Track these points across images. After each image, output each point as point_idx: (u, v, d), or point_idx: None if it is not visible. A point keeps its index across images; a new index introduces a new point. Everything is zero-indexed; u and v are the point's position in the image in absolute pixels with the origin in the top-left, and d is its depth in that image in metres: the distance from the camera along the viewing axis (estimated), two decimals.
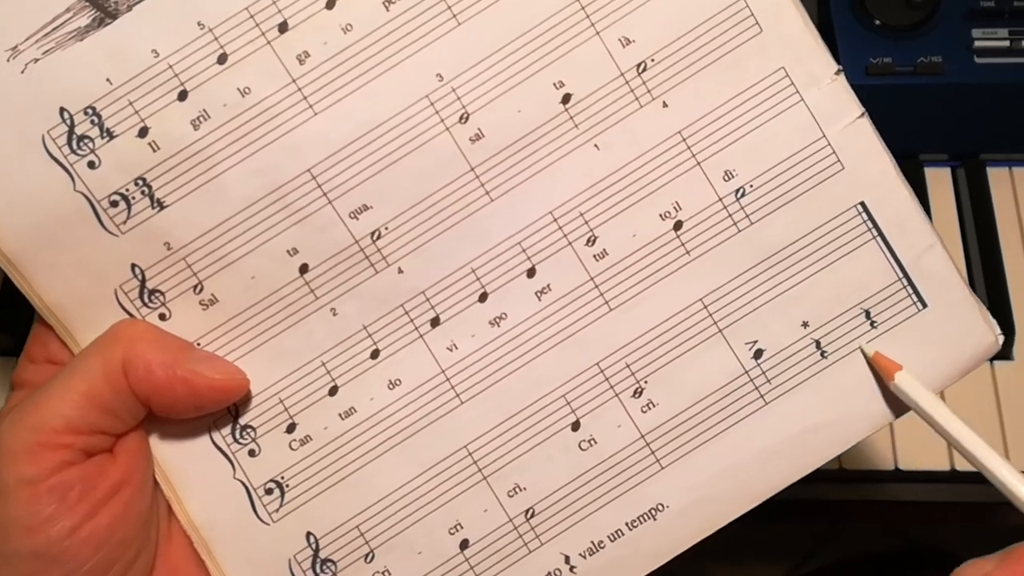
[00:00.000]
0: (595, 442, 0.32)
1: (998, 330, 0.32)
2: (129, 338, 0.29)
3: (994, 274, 0.48)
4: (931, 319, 0.32)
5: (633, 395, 0.32)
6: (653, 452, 0.32)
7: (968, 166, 0.51)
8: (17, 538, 0.27)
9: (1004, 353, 0.47)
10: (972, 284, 0.48)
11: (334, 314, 0.31)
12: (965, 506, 0.47)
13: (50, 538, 0.27)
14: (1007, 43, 0.48)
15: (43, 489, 0.27)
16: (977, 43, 0.48)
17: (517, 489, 0.32)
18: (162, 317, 0.31)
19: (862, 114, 0.31)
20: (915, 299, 0.32)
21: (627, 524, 0.32)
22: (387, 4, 0.30)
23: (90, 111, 0.29)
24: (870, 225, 0.31)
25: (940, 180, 0.51)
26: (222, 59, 0.29)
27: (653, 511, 0.32)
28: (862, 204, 0.31)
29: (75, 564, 0.27)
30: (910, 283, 0.32)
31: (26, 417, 0.28)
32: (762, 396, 0.32)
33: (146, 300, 0.30)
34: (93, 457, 0.28)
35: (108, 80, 0.29)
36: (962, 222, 0.50)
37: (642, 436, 0.32)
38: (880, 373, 0.31)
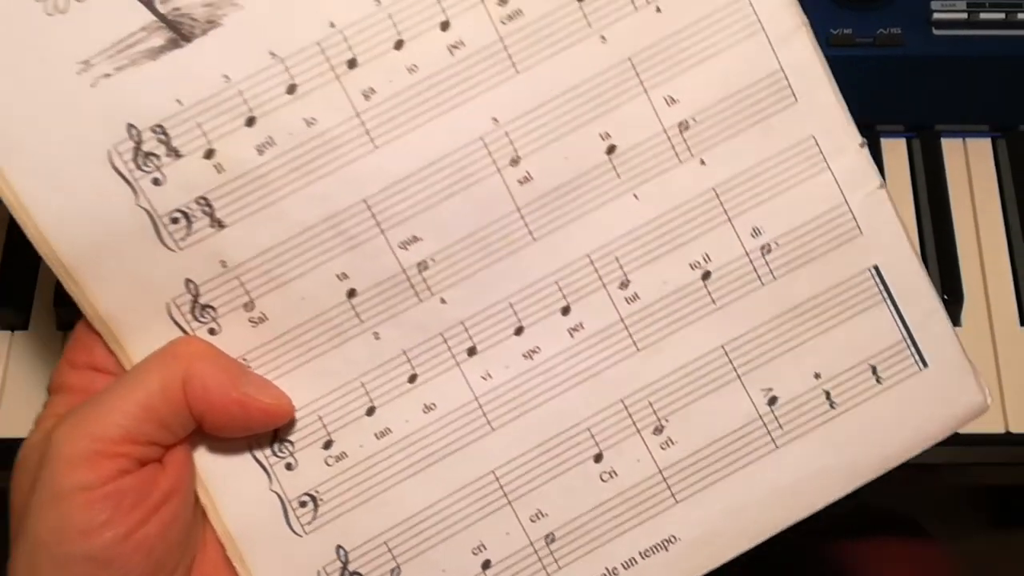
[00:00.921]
0: (615, 474, 0.33)
1: (988, 393, 0.35)
2: (189, 356, 0.30)
3: (945, 242, 0.49)
4: (930, 378, 0.34)
5: (654, 432, 0.34)
6: (669, 487, 0.34)
7: (923, 137, 0.52)
8: (72, 542, 0.28)
9: (952, 319, 0.50)
10: (923, 252, 0.49)
11: (376, 338, 0.32)
12: None
13: (104, 543, 0.28)
14: (965, 15, 0.48)
15: (99, 495, 0.28)
16: (936, 15, 0.48)
17: (539, 515, 0.33)
18: (212, 332, 0.32)
19: (881, 185, 0.34)
20: (917, 359, 0.34)
21: (640, 553, 0.34)
22: (452, 49, 0.31)
23: (158, 129, 0.30)
24: (881, 288, 0.34)
25: (896, 150, 0.52)
26: (291, 89, 0.31)
27: (666, 543, 0.34)
28: (876, 268, 0.34)
29: (125, 569, 0.28)
30: (914, 344, 0.34)
31: (85, 425, 0.28)
32: (773, 440, 0.34)
33: (197, 315, 0.31)
34: (145, 466, 0.29)
35: (178, 101, 0.30)
36: (915, 191, 0.51)
37: (660, 471, 0.34)
38: None
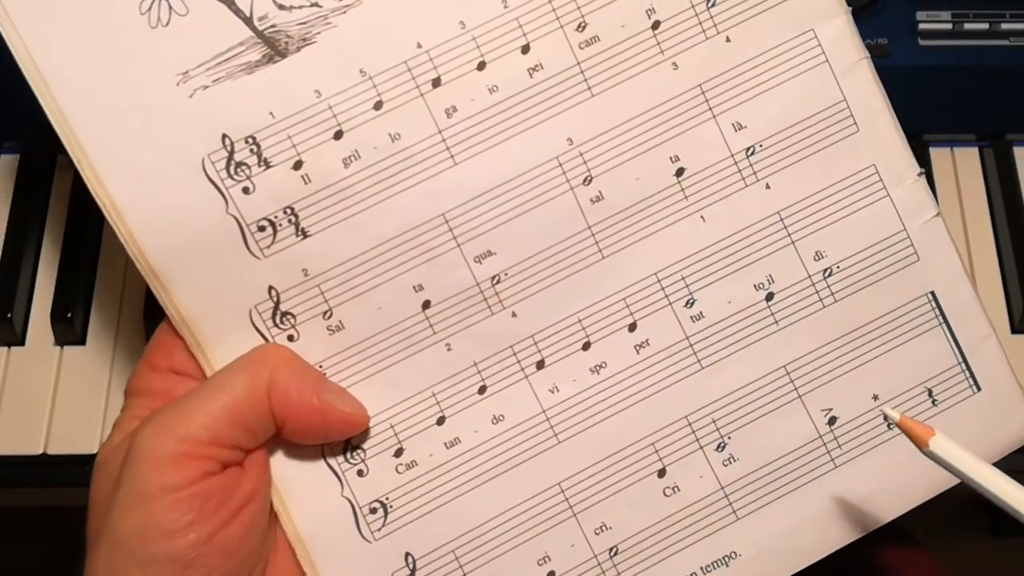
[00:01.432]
0: (678, 489, 0.34)
1: None
2: (275, 363, 0.30)
3: None
4: (983, 401, 0.35)
5: (716, 449, 0.34)
6: (731, 503, 0.34)
7: (911, 146, 0.50)
8: (157, 542, 0.28)
9: None
10: None
11: (448, 349, 0.33)
12: None
13: (188, 543, 0.28)
14: (950, 25, 0.49)
15: (184, 496, 0.28)
16: (921, 26, 0.48)
17: (603, 527, 0.34)
18: (291, 338, 0.32)
19: (938, 213, 0.35)
20: (971, 382, 0.35)
21: (701, 568, 0.34)
22: (531, 71, 0.32)
23: (250, 140, 0.31)
24: (937, 312, 0.35)
25: None
26: (378, 105, 0.32)
27: (726, 558, 0.34)
28: (932, 293, 0.35)
29: (206, 570, 0.29)
30: (968, 367, 0.35)
31: (171, 427, 0.29)
32: (833, 460, 0.35)
33: (278, 321, 0.32)
34: (228, 469, 0.30)
35: (271, 113, 0.31)
36: None
37: (722, 488, 0.34)
38: (913, 439, 0.30)
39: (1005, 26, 0.49)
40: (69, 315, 0.46)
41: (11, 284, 0.46)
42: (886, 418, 0.33)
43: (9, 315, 0.46)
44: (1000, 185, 0.50)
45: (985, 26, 0.49)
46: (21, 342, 0.46)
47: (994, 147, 0.51)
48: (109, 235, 0.48)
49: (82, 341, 0.46)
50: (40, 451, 0.44)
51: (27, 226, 0.48)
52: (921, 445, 0.30)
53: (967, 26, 0.49)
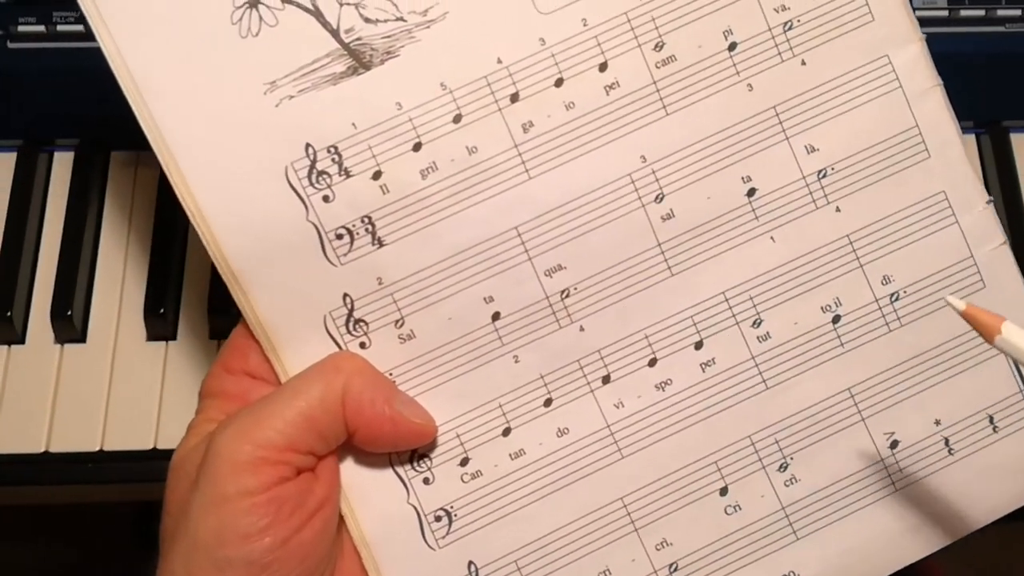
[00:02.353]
0: (740, 508, 0.34)
1: None
2: (349, 371, 0.31)
3: None
4: None
5: (779, 469, 0.34)
6: (791, 523, 0.34)
7: None
8: (232, 545, 0.29)
9: None
10: None
11: (516, 361, 0.34)
12: None
13: (264, 548, 0.29)
14: (946, 12, 0.49)
15: (261, 501, 0.29)
16: (918, 12, 0.47)
17: (664, 543, 0.34)
18: (362, 346, 0.33)
19: (1004, 241, 0.35)
20: None
21: None
22: (608, 89, 0.33)
23: (332, 150, 0.32)
24: None
25: None
26: (457, 119, 0.32)
27: None
28: None
29: (281, 574, 0.29)
30: None
31: (249, 431, 0.29)
32: (893, 483, 0.35)
33: (351, 328, 0.33)
34: (302, 475, 0.30)
35: (353, 124, 0.32)
36: None
37: (783, 508, 0.34)
38: (979, 330, 0.29)
39: (1001, 12, 0.49)
40: (69, 312, 0.46)
41: (10, 282, 0.47)
42: (952, 307, 0.29)
43: (9, 313, 0.46)
44: (997, 172, 0.51)
45: (981, 12, 0.49)
46: (21, 340, 0.47)
47: (991, 134, 0.51)
48: (108, 232, 0.49)
49: (82, 339, 0.47)
50: (42, 449, 0.44)
51: (25, 223, 0.48)
52: (990, 336, 0.28)
53: (963, 13, 0.49)
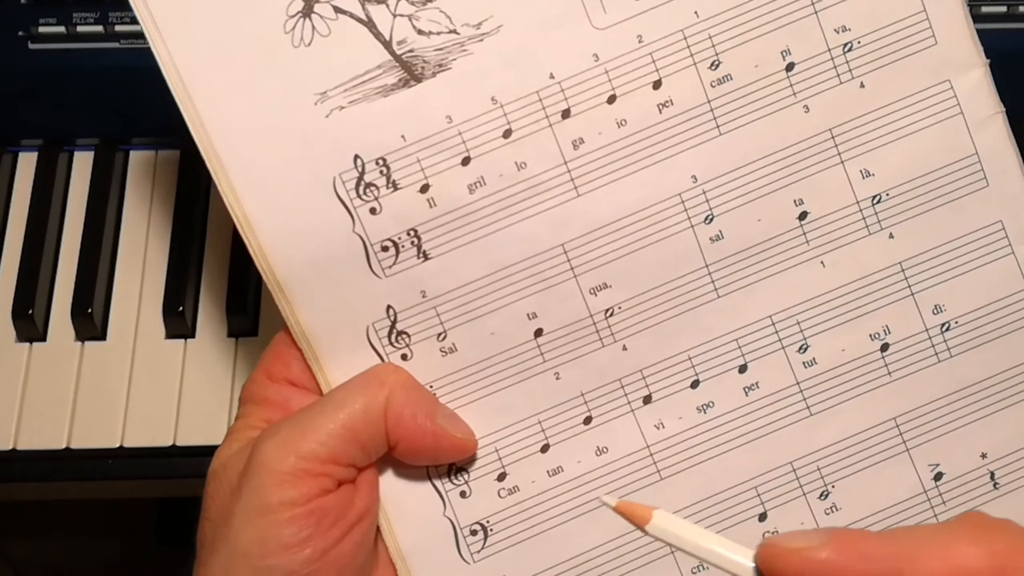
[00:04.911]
0: (778, 534, 0.34)
1: None
2: (392, 384, 0.31)
3: None
4: None
5: (820, 497, 0.34)
6: None
7: None
8: (274, 555, 0.29)
9: None
10: None
11: (557, 378, 0.33)
12: None
13: (304, 558, 0.29)
14: (1004, 8, 0.47)
15: (303, 512, 0.29)
16: (973, 9, 0.45)
17: (700, 568, 0.34)
18: (404, 357, 0.33)
19: None
20: None
21: None
22: (661, 107, 0.32)
23: (381, 162, 0.32)
24: None
25: None
26: (507, 134, 0.32)
27: None
28: None
29: None
30: None
31: (294, 443, 0.30)
32: (936, 516, 0.34)
33: (393, 340, 0.33)
34: (342, 487, 0.30)
35: (402, 136, 0.32)
36: None
37: None
38: (632, 521, 0.27)
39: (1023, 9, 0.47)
40: (89, 310, 0.46)
41: (32, 280, 0.47)
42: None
43: (30, 311, 0.46)
44: None
45: (1003, 9, 0.47)
46: (43, 338, 0.47)
47: (1013, 131, 0.50)
48: (128, 230, 0.49)
49: (102, 336, 0.47)
50: (63, 446, 0.45)
51: (46, 222, 0.48)
52: (640, 524, 0.27)
53: (984, 9, 0.47)
